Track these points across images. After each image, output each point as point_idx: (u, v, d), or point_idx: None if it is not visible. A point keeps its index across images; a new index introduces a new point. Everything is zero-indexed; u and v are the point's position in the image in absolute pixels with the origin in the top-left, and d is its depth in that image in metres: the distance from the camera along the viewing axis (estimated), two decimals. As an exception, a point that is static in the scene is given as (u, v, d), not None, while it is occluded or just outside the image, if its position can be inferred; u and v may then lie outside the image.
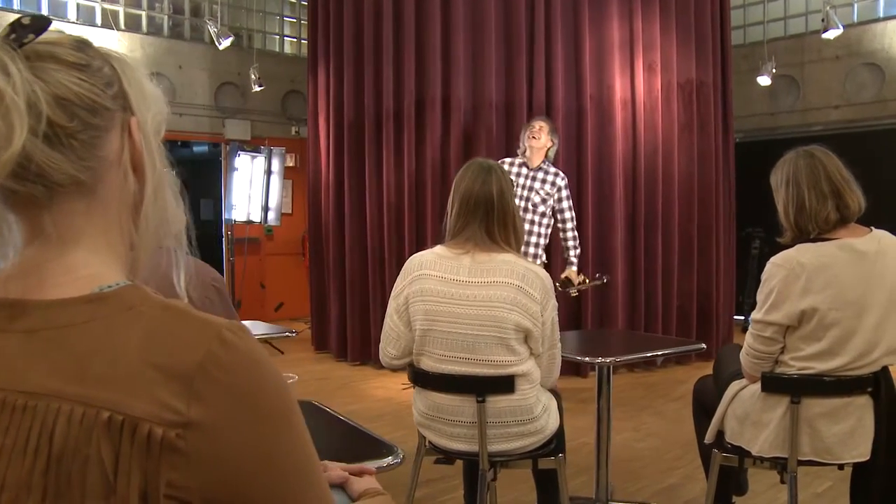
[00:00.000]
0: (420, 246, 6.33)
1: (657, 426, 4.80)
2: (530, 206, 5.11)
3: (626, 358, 3.15)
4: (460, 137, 6.20)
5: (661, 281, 6.45)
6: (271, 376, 0.82)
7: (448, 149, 6.32)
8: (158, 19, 9.04)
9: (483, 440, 2.49)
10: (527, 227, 5.11)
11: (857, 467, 2.55)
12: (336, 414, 1.99)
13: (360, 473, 1.33)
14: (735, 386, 2.68)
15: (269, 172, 7.56)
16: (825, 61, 9.01)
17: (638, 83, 6.40)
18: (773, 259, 2.50)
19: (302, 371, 6.70)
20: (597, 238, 6.26)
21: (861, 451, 2.44)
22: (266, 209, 7.59)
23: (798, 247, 2.48)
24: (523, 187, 5.16)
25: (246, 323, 4.43)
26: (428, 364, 2.58)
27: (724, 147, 7.06)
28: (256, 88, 8.86)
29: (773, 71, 8.69)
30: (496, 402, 2.48)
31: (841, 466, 2.55)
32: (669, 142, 6.52)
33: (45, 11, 8.11)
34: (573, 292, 5.21)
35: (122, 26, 8.63)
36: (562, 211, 5.13)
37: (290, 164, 9.77)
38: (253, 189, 7.55)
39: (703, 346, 3.19)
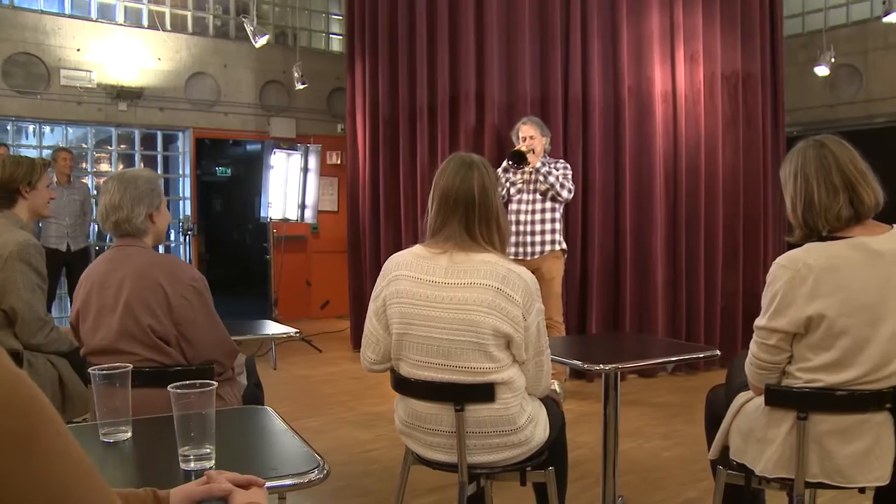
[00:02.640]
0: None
1: (688, 434, 4.56)
2: (538, 196, 5.10)
3: (630, 365, 2.95)
4: (494, 133, 6.03)
5: (704, 280, 6.17)
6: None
7: (482, 145, 6.17)
8: (204, 19, 9.09)
9: (462, 451, 2.35)
10: (537, 216, 5.17)
11: (880, 492, 2.31)
12: (284, 423, 1.87)
13: (248, 486, 1.26)
14: (741, 398, 2.47)
15: (305, 170, 7.52)
16: (891, 49, 8.53)
17: (679, 75, 6.13)
18: (777, 259, 2.28)
19: (337, 370, 6.65)
20: (635, 236, 6.02)
21: (879, 474, 2.19)
22: (303, 207, 7.54)
23: (806, 246, 2.25)
24: (528, 181, 5.15)
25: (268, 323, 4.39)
26: (405, 370, 2.45)
27: (773, 141, 6.73)
28: (299, 86, 8.85)
29: (833, 60, 8.27)
30: (476, 412, 2.34)
31: (862, 489, 2.30)
32: (713, 136, 6.23)
33: (93, 15, 8.25)
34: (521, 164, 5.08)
35: (168, 27, 8.71)
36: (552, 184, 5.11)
37: (336, 161, 9.77)
38: (289, 187, 7.51)
39: (718, 352, 2.97)
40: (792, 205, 2.33)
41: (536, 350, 2.41)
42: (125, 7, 8.48)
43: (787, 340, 2.23)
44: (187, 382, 1.60)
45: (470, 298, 2.30)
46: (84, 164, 8.63)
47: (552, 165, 5.18)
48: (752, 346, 2.32)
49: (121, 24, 8.40)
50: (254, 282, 11.53)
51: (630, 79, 6.02)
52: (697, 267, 6.17)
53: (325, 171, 9.65)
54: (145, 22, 8.57)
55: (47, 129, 8.62)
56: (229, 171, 14.73)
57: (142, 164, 9.10)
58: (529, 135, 5.09)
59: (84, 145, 8.74)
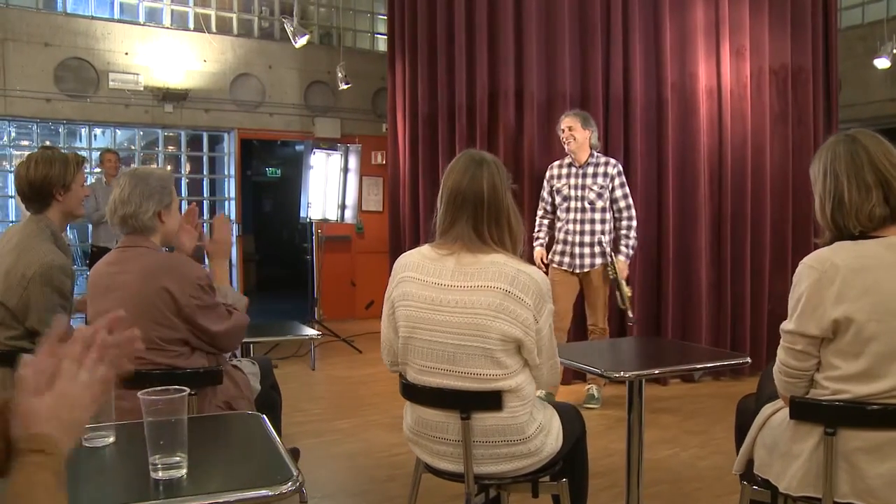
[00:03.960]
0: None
1: (728, 443, 4.35)
2: (587, 206, 4.90)
3: (651, 372, 2.82)
4: (534, 131, 5.90)
5: (751, 282, 5.95)
6: None
7: (521, 143, 6.05)
8: (249, 21, 9.15)
9: (468, 460, 2.26)
10: (586, 226, 4.93)
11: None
12: (270, 433, 1.80)
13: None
14: (767, 409, 2.33)
15: (345, 170, 7.49)
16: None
17: (724, 70, 5.92)
18: (804, 259, 2.13)
19: (375, 371, 6.60)
20: (678, 236, 5.84)
21: (917, 496, 2.03)
22: (343, 207, 7.52)
23: (835, 245, 2.10)
24: (576, 187, 4.96)
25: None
26: (411, 375, 2.37)
27: (826, 139, 6.43)
28: (343, 87, 8.85)
29: (895, 52, 7.93)
30: (482, 420, 2.25)
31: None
32: (760, 133, 6.00)
33: (141, 19, 8.37)
34: (621, 303, 4.93)
35: (214, 29, 8.79)
36: (615, 200, 4.93)
37: (381, 161, 9.74)
38: (329, 187, 7.50)
39: (748, 360, 2.82)
40: (821, 205, 2.18)
41: (550, 352, 2.31)
42: (172, 10, 8.59)
43: (815, 345, 2.08)
44: (159, 388, 1.54)
45: (476, 301, 2.20)
46: (132, 165, 8.74)
47: (604, 166, 4.99)
48: (780, 351, 2.18)
49: (167, 28, 8.51)
50: (302, 281, 11.61)
51: (673, 75, 5.84)
52: (743, 269, 5.95)
53: (370, 171, 9.64)
54: (191, 25, 8.67)
55: (98, 131, 8.78)
56: (279, 171, 14.88)
57: (187, 166, 9.21)
58: (568, 126, 4.95)
59: (132, 147, 8.87)
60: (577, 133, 4.93)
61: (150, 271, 2.54)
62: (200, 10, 8.72)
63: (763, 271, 5.96)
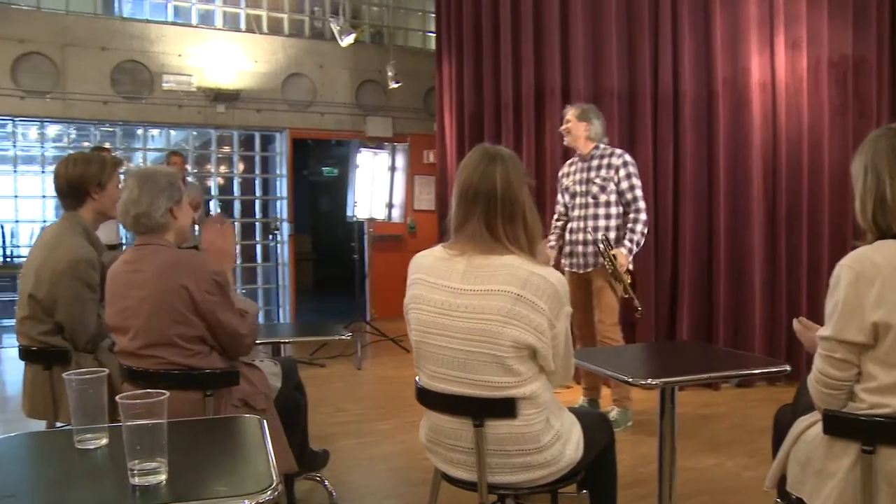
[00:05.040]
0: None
1: (776, 452, 4.19)
2: (591, 200, 4.66)
3: (683, 379, 2.68)
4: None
5: (807, 281, 5.69)
6: None
7: (568, 140, 5.94)
8: (300, 21, 9.20)
9: (482, 469, 2.17)
10: (590, 223, 4.64)
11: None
12: (265, 438, 1.75)
13: None
14: (802, 422, 2.18)
15: (392, 169, 7.46)
16: None
17: (779, 63, 5.69)
18: (842, 260, 1.99)
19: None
20: (730, 234, 5.63)
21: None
22: (390, 206, 7.49)
23: (876, 243, 1.96)
24: (581, 181, 4.74)
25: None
26: (423, 380, 2.30)
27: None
28: (393, 85, 8.82)
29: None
30: (496, 428, 2.16)
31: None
32: (817, 127, 5.74)
33: (194, 21, 8.48)
34: (623, 293, 4.56)
35: (265, 30, 8.86)
36: (622, 193, 4.61)
37: (433, 160, 9.69)
38: (376, 186, 7.47)
39: (787, 368, 2.66)
40: (861, 204, 2.04)
41: (566, 355, 2.22)
42: (224, 12, 8.68)
43: (856, 353, 1.93)
44: (139, 392, 1.50)
45: (486, 307, 2.11)
46: (187, 166, 8.87)
47: (608, 158, 4.65)
48: (817, 359, 2.02)
49: (220, 29, 8.61)
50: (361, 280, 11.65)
51: (724, 69, 5.63)
52: (799, 269, 5.70)
53: (422, 170, 9.61)
54: (243, 26, 8.75)
55: (154, 132, 8.94)
56: (336, 171, 14.96)
57: (240, 166, 9.30)
58: (566, 118, 4.72)
59: (185, 147, 9.00)
60: (571, 125, 4.70)
61: (167, 269, 2.53)
62: (252, 12, 8.80)
63: (820, 271, 5.69)
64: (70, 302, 2.96)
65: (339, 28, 7.76)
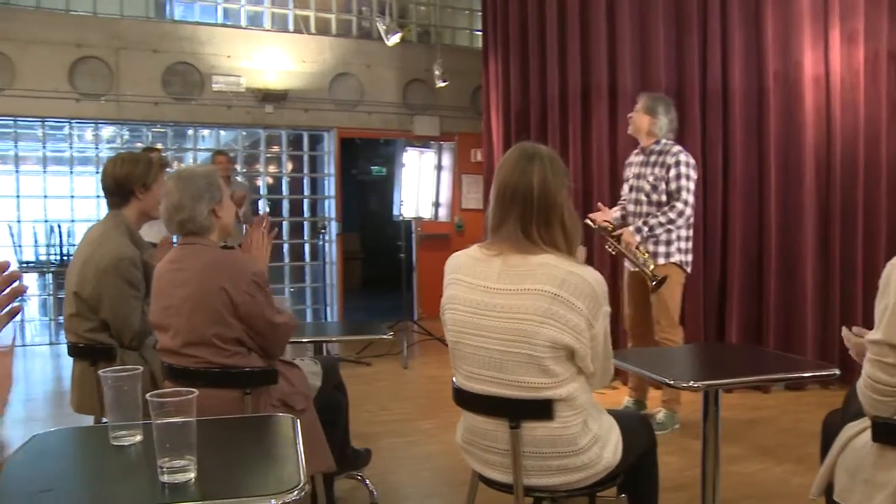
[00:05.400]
0: (587, 243, 5.94)
1: (828, 457, 4.07)
2: (642, 197, 4.55)
3: (727, 382, 2.61)
4: (627, 125, 5.69)
5: (863, 283, 5.52)
6: None
7: (616, 137, 5.86)
8: (347, 21, 9.26)
9: (518, 471, 2.15)
10: (639, 221, 4.51)
11: None
12: (296, 437, 1.75)
13: None
14: (850, 428, 2.10)
15: (439, 167, 7.46)
16: None
17: (833, 57, 5.52)
18: (893, 259, 1.92)
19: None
20: (781, 232, 5.49)
21: None
22: (437, 205, 7.48)
23: None
24: (636, 175, 4.62)
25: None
26: (459, 381, 2.28)
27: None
28: (440, 84, 8.82)
29: None
30: (532, 430, 2.13)
31: None
32: (875, 123, 5.56)
33: (243, 23, 8.60)
34: (634, 267, 4.40)
35: (313, 30, 8.93)
36: (670, 194, 4.45)
37: (480, 159, 9.66)
38: (422, 184, 7.47)
39: (837, 371, 2.58)
40: None
41: (605, 356, 2.17)
42: (272, 13, 8.78)
43: None
44: (168, 390, 1.51)
45: (522, 306, 2.08)
46: (235, 165, 8.99)
47: (664, 155, 4.49)
48: (866, 364, 1.93)
49: (268, 30, 8.71)
50: (411, 277, 11.68)
51: (775, 64, 5.49)
52: (854, 268, 5.53)
53: (469, 168, 9.58)
54: (291, 27, 8.84)
55: (205, 132, 9.08)
56: (384, 170, 15.01)
57: (289, 165, 9.39)
58: (635, 108, 4.62)
59: (235, 147, 9.13)
60: (636, 116, 4.58)
61: (207, 270, 2.55)
62: (300, 12, 8.88)
63: (876, 271, 5.43)
64: (114, 300, 3.01)
65: (385, 27, 7.78)
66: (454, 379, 2.33)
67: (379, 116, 9.28)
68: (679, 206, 4.39)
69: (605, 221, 4.57)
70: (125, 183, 3.17)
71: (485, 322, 2.13)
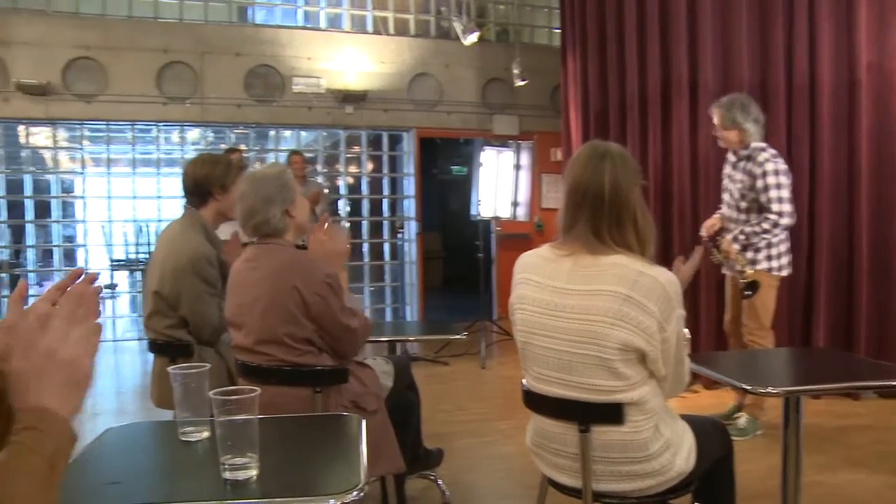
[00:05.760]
0: (668, 243, 5.81)
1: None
2: (732, 202, 4.41)
3: (808, 388, 2.49)
4: (709, 123, 5.50)
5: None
6: None
7: (696, 136, 5.71)
8: (426, 22, 9.29)
9: (587, 477, 2.10)
10: (731, 226, 4.38)
11: None
12: (360, 436, 1.75)
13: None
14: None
15: (517, 167, 7.40)
16: None
17: (933, 46, 5.23)
18: None
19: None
20: (873, 232, 5.22)
21: None
22: (515, 204, 7.43)
23: None
24: (729, 179, 4.47)
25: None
26: (528, 382, 2.24)
27: None
28: (519, 83, 8.76)
29: None
30: (602, 434, 2.08)
31: None
32: (978, 116, 5.25)
33: (322, 25, 8.73)
34: (738, 275, 4.23)
35: (392, 31, 8.99)
36: (760, 204, 4.30)
37: (560, 158, 9.56)
38: (500, 184, 7.43)
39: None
40: None
41: (677, 360, 2.10)
42: (351, 15, 8.88)
43: None
44: (231, 388, 1.52)
45: (593, 307, 2.03)
46: (316, 166, 9.15)
47: (752, 161, 4.31)
48: None
49: (347, 32, 8.81)
50: (484, 279, 11.64)
51: (868, 55, 5.23)
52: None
53: (549, 168, 9.49)
54: (370, 28, 8.92)
55: (287, 133, 9.25)
56: (465, 169, 15.02)
57: (369, 165, 9.48)
58: (716, 123, 4.46)
59: (315, 147, 9.27)
60: (721, 134, 4.41)
61: (281, 269, 2.59)
62: (378, 14, 8.96)
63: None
64: (191, 297, 3.08)
65: (462, 27, 7.77)
66: (524, 380, 2.29)
67: (458, 116, 9.28)
68: (773, 217, 4.23)
69: (711, 226, 4.56)
70: (204, 184, 3.24)
71: (554, 323, 2.10)
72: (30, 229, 8.49)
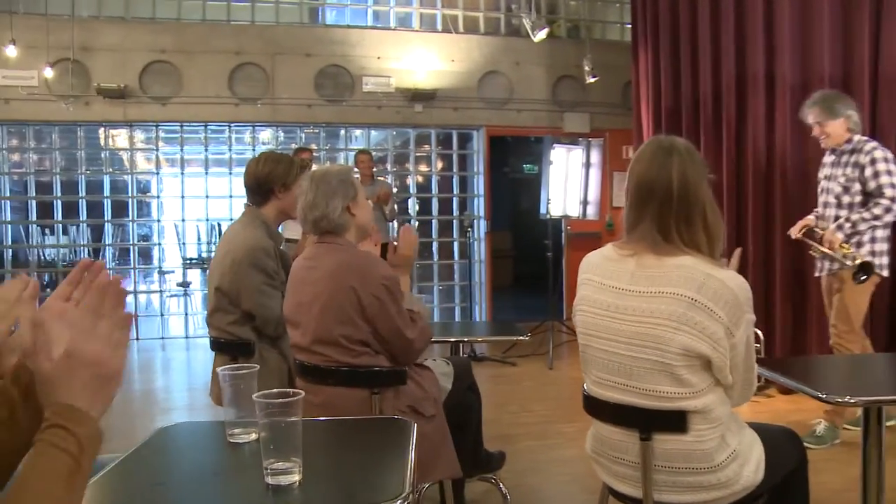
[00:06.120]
0: (740, 243, 5.62)
1: None
2: (832, 200, 4.18)
3: (891, 398, 2.34)
4: (787, 119, 5.31)
5: None
6: None
7: (773, 133, 5.50)
8: (496, 19, 9.22)
9: (647, 487, 2.01)
10: (830, 225, 4.13)
11: None
12: (409, 442, 1.70)
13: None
14: None
15: (587, 165, 7.26)
16: None
17: None
18: None
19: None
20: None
21: None
22: (584, 203, 7.29)
23: None
24: (827, 177, 4.25)
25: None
26: (588, 387, 2.16)
27: None
28: (590, 80, 8.61)
29: None
30: (664, 443, 1.98)
31: None
32: None
33: (392, 24, 8.75)
34: (845, 263, 3.98)
35: (462, 29, 8.95)
36: (868, 195, 4.05)
37: (631, 156, 9.38)
38: (570, 182, 7.31)
39: None
40: None
41: (746, 367, 1.99)
42: (421, 14, 8.88)
43: None
44: (275, 391, 1.49)
45: (657, 310, 1.94)
46: (386, 165, 9.18)
47: (856, 154, 4.11)
48: None
49: (417, 31, 8.81)
50: (555, 278, 11.50)
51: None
52: None
53: (621, 166, 9.30)
54: (439, 26, 8.90)
55: (357, 132, 9.31)
56: (537, 168, 14.88)
57: (439, 164, 9.46)
58: (815, 121, 4.25)
59: (385, 146, 9.30)
60: (827, 127, 4.17)
61: (338, 269, 2.56)
62: (448, 12, 8.93)
63: None
64: (251, 290, 3.07)
65: (531, 23, 7.67)
66: (584, 385, 2.21)
67: (528, 114, 9.19)
68: (885, 202, 3.99)
69: (804, 227, 4.33)
70: (265, 182, 3.23)
71: (615, 325, 2.01)
72: (108, 228, 8.75)
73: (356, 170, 7.75)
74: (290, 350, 3.11)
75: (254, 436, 1.75)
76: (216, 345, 3.21)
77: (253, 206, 3.28)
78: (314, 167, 3.27)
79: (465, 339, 3.87)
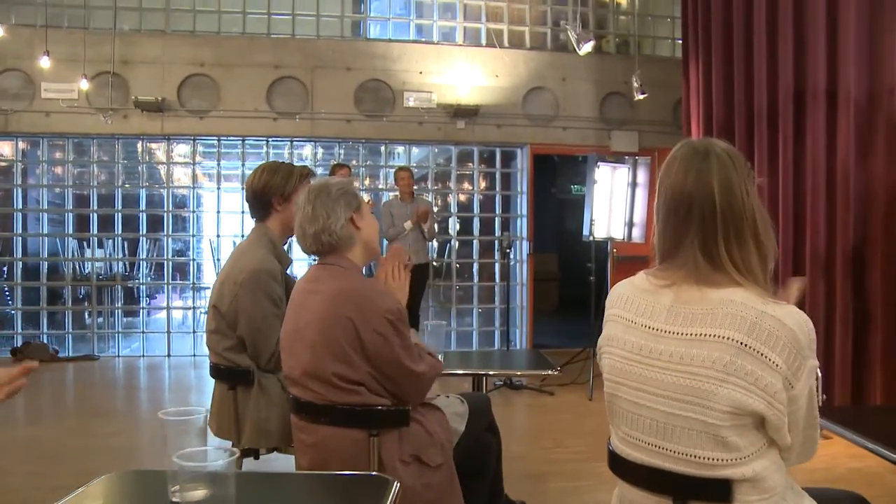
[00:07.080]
0: (797, 269, 5.21)
1: None
2: None
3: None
4: (850, 135, 4.89)
5: None
6: None
7: (834, 150, 5.07)
8: (542, 34, 8.91)
9: (683, 568, 1.65)
10: None
11: None
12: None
13: None
14: None
15: (633, 185, 6.89)
16: None
17: None
18: None
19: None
20: None
21: None
22: (630, 225, 6.91)
23: None
24: None
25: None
26: (614, 443, 1.81)
27: None
28: (638, 97, 8.25)
29: None
30: (703, 514, 1.62)
31: None
32: None
33: (435, 39, 8.51)
34: None
35: (507, 44, 8.67)
36: None
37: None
38: (615, 203, 6.94)
39: None
40: None
41: (808, 424, 1.63)
42: (465, 28, 8.62)
43: None
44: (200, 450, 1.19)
45: (697, 357, 1.58)
46: (426, 183, 8.90)
47: None
48: None
49: (460, 45, 8.56)
50: (600, 302, 11.07)
51: None
52: None
53: (670, 186, 8.92)
54: (483, 41, 8.63)
55: (400, 149, 9.06)
56: (584, 188, 14.49)
57: (481, 182, 9.15)
58: None
59: (426, 164, 9.04)
60: None
61: (337, 296, 2.26)
62: (493, 26, 8.66)
63: None
64: (250, 315, 2.80)
65: (576, 35, 7.35)
66: (609, 440, 1.86)
67: (575, 132, 8.84)
68: None
69: None
70: (262, 194, 2.98)
71: (646, 373, 1.66)
72: (143, 243, 8.63)
73: (396, 187, 7.51)
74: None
75: (200, 493, 1.45)
76: (215, 371, 2.95)
77: (260, 223, 3.03)
78: (312, 180, 2.97)
79: (482, 373, 3.51)
